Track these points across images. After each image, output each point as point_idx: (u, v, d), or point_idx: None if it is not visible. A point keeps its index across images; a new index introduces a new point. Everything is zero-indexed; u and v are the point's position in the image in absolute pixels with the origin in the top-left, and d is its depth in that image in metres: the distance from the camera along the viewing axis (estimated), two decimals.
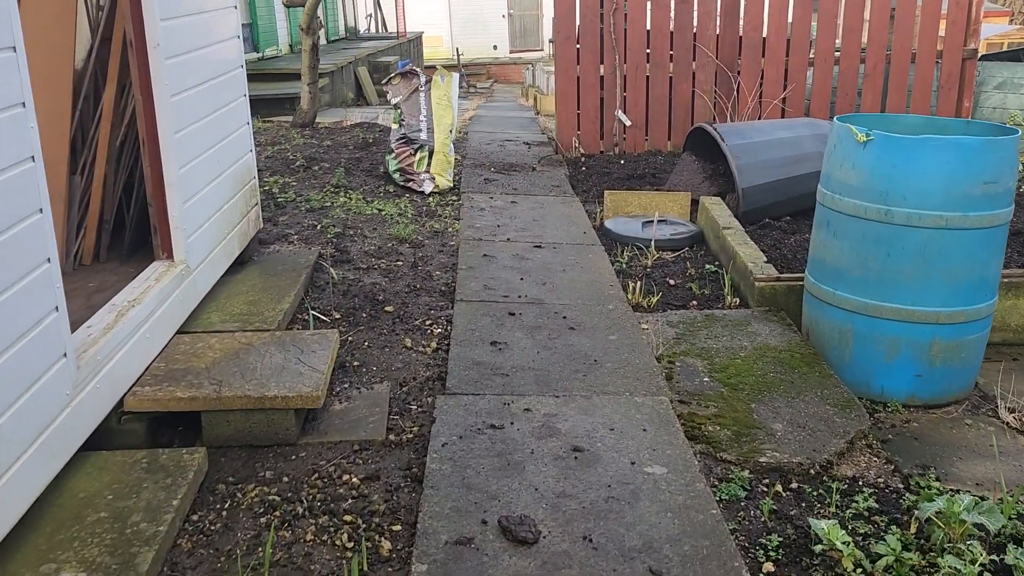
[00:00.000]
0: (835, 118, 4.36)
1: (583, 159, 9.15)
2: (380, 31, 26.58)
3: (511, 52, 29.21)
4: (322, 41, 21.97)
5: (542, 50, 28.50)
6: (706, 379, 4.08)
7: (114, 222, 4.40)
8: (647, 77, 9.40)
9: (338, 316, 4.58)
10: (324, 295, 4.84)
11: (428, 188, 7.30)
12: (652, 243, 6.21)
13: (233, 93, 4.82)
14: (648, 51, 9.39)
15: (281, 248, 5.49)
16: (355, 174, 7.73)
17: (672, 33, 9.38)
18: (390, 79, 7.50)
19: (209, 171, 4.36)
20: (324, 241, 5.73)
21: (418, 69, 7.54)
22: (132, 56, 3.76)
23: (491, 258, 5.64)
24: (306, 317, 4.50)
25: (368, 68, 18.99)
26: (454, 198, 7.21)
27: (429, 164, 7.32)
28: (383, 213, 6.56)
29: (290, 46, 19.02)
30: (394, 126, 7.49)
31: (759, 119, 9.64)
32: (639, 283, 5.31)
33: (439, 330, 4.47)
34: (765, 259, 5.35)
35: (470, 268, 5.41)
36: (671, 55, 9.43)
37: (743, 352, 4.37)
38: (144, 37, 3.75)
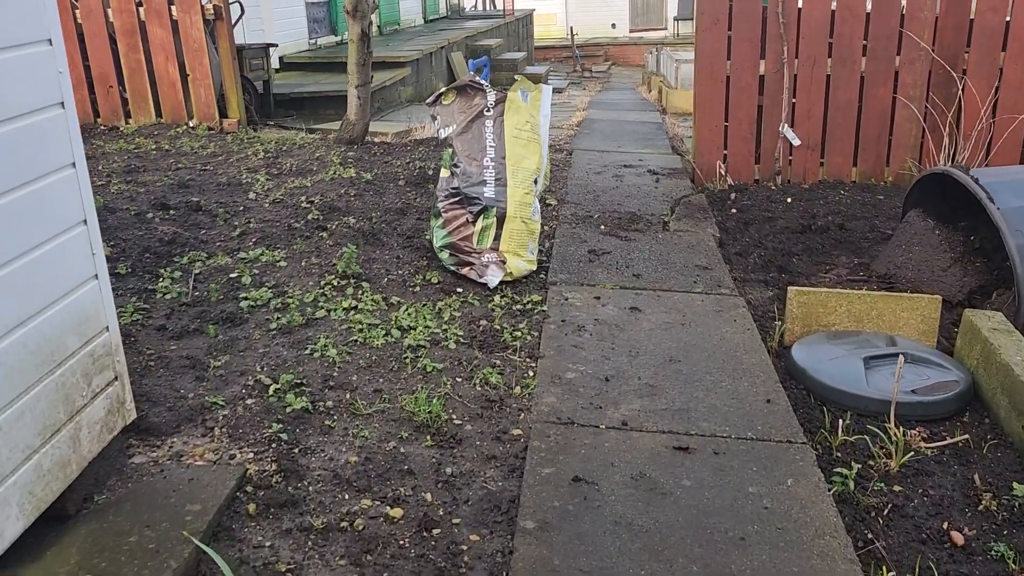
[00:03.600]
0: None
1: (732, 194, 6.44)
2: (488, 9, 24.03)
3: (631, 32, 26.27)
4: (418, 21, 19.67)
5: (665, 29, 25.71)
6: None
7: None
8: (827, 77, 6.51)
9: None
10: None
11: (495, 280, 4.42)
12: (892, 413, 3.31)
13: (32, 166, 2.14)
14: (830, 41, 6.51)
15: (183, 450, 2.81)
16: (385, 243, 4.92)
17: (869, 15, 6.46)
18: (439, 97, 4.63)
19: None
20: (267, 436, 2.98)
21: (484, 82, 4.59)
22: None
23: (589, 491, 2.77)
24: None
25: (465, 53, 16.49)
26: (536, 297, 4.33)
27: (498, 238, 4.45)
28: (404, 343, 3.74)
29: (378, 27, 16.59)
30: (444, 173, 4.60)
31: (991, 140, 6.61)
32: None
33: None
34: None
35: (543, 529, 2.57)
36: (864, 46, 6.54)
37: None
38: None
